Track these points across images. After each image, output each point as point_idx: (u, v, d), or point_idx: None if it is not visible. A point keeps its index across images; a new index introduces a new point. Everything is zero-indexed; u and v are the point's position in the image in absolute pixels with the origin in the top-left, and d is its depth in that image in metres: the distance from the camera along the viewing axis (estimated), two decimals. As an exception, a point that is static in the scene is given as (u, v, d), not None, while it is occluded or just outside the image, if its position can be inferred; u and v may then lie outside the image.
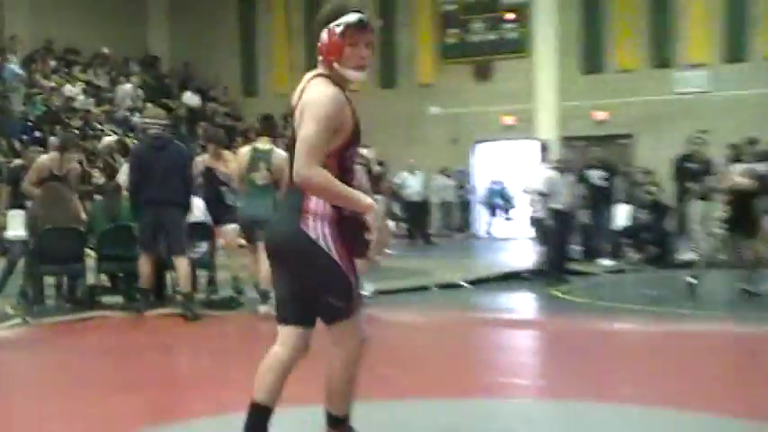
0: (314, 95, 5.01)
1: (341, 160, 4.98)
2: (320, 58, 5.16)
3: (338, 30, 5.04)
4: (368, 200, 4.87)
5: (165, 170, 12.04)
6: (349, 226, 4.94)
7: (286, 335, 5.17)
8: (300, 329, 5.14)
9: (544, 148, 16.75)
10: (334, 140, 4.92)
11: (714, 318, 11.93)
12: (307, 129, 4.88)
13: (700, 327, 11.43)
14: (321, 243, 4.93)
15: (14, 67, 27.54)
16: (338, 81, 5.11)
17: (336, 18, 5.05)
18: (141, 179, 12.18)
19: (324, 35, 5.10)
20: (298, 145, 4.87)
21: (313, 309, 5.13)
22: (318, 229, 4.94)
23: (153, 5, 34.16)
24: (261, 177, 11.97)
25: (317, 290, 5.06)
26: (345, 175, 4.98)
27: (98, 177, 19.73)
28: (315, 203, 4.95)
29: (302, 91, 5.10)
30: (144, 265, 12.18)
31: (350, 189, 4.90)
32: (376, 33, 5.14)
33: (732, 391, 7.62)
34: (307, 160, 4.81)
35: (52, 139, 21.20)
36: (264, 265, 12.20)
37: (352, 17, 5.03)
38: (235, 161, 12.60)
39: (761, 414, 6.50)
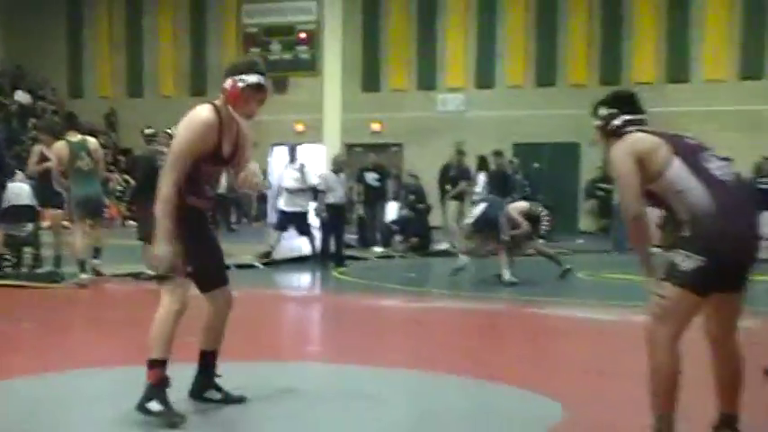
0: (190, 117, 5.28)
1: (192, 172, 5.21)
2: (222, 94, 5.35)
3: (240, 84, 5.26)
4: (162, 243, 5.12)
5: None
6: (191, 210, 5.26)
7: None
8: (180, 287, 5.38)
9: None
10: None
11: (459, 297, 12.22)
12: (175, 144, 5.21)
13: (448, 303, 11.71)
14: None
15: None
16: (225, 113, 5.32)
17: (242, 73, 5.29)
18: None
19: (228, 81, 5.29)
20: (171, 148, 5.20)
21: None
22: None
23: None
24: (85, 164, 11.91)
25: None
26: (192, 186, 5.25)
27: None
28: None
29: None
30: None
31: (167, 223, 5.10)
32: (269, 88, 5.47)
33: (470, 356, 7.83)
34: (167, 172, 5.15)
35: None
36: (80, 239, 12.01)
37: (252, 78, 5.29)
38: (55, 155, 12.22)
39: (491, 375, 6.71)
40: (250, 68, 5.37)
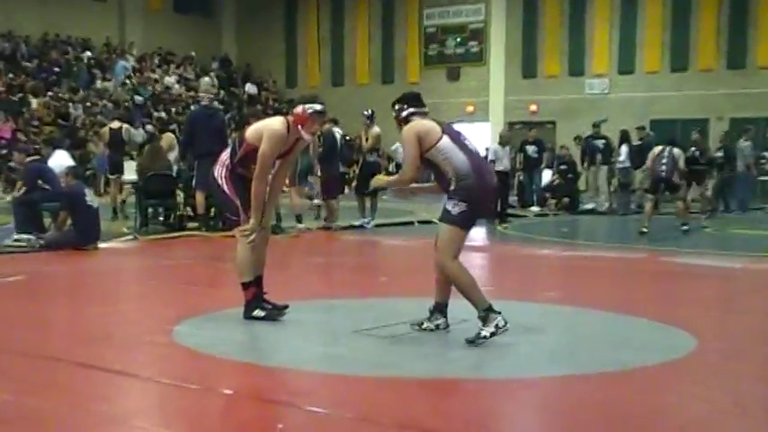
0: (271, 126, 5.87)
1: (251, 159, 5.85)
2: (291, 116, 5.92)
3: (308, 111, 5.85)
4: (255, 216, 5.78)
5: (213, 130, 11.74)
6: (238, 176, 5.93)
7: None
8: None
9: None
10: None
11: (604, 247, 11.94)
12: (263, 146, 5.76)
13: (594, 252, 11.42)
14: (218, 180, 6.00)
15: (124, 63, 27.70)
16: (292, 127, 5.87)
17: (309, 102, 5.89)
18: (196, 136, 11.84)
19: (299, 107, 5.88)
20: (259, 154, 5.74)
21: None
22: (217, 172, 6.02)
23: (226, 23, 33.91)
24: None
25: (219, 207, 6.53)
26: (241, 163, 5.90)
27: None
28: (223, 157, 6.03)
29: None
30: (199, 197, 12.06)
31: (260, 200, 5.81)
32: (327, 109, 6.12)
33: (614, 295, 7.63)
34: (260, 166, 5.74)
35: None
36: (296, 199, 12.43)
37: (317, 107, 5.90)
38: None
39: (633, 310, 6.52)
40: (314, 99, 5.95)
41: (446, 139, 5.34)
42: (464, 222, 5.35)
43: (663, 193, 13.50)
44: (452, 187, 5.31)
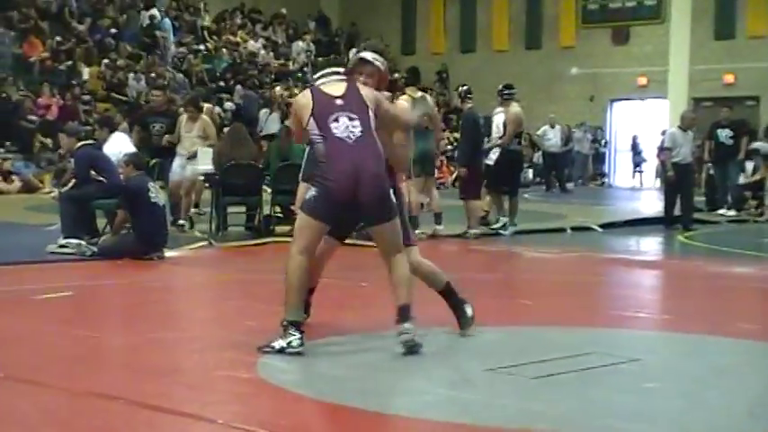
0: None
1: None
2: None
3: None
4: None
5: None
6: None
7: None
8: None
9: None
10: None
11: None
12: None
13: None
14: None
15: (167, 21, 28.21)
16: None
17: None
18: None
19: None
20: None
21: None
22: None
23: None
24: (424, 121, 12.28)
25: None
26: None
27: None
28: None
29: None
30: (302, 189, 12.20)
31: None
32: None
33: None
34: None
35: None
36: (415, 196, 12.49)
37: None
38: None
39: None
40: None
41: (312, 122, 6.07)
42: (313, 212, 6.00)
43: None
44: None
